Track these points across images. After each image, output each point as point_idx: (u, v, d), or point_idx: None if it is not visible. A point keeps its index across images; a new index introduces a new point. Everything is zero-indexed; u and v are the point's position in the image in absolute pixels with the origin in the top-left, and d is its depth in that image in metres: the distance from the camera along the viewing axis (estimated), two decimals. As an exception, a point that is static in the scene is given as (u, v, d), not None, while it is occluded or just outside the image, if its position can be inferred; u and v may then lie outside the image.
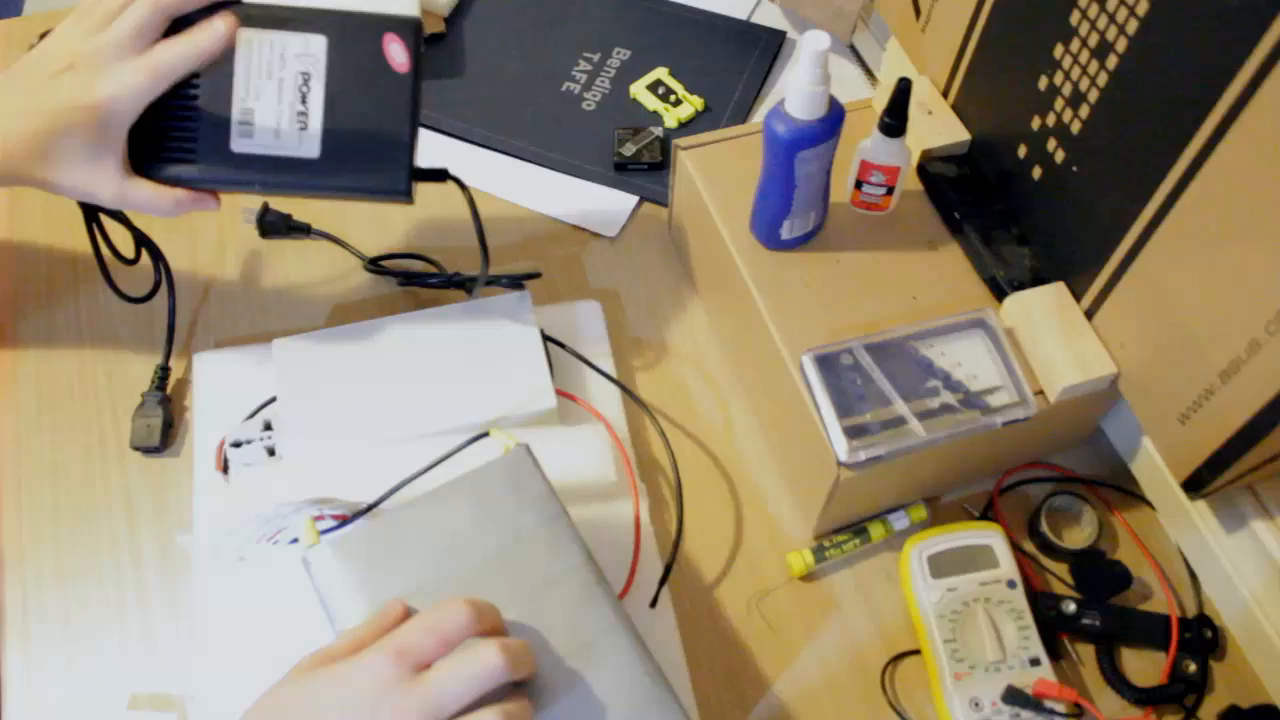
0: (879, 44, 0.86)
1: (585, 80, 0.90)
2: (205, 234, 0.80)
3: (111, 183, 0.60)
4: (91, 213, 0.69)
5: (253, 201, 0.78)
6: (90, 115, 0.58)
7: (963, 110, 0.71)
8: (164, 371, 0.72)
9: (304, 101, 0.61)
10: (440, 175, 0.67)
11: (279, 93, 0.61)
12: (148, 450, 0.70)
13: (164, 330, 0.74)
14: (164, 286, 0.73)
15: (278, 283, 0.78)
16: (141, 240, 0.71)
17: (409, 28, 0.62)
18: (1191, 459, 0.58)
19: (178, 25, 0.61)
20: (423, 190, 0.66)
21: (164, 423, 0.70)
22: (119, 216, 0.70)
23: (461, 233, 0.81)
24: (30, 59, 0.61)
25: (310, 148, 0.62)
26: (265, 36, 0.61)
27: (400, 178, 0.62)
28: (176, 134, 0.62)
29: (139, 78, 0.58)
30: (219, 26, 0.60)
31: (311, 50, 0.62)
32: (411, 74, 0.62)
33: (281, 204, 0.79)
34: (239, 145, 0.61)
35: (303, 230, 0.79)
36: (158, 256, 0.72)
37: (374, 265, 0.77)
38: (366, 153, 0.62)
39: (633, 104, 0.88)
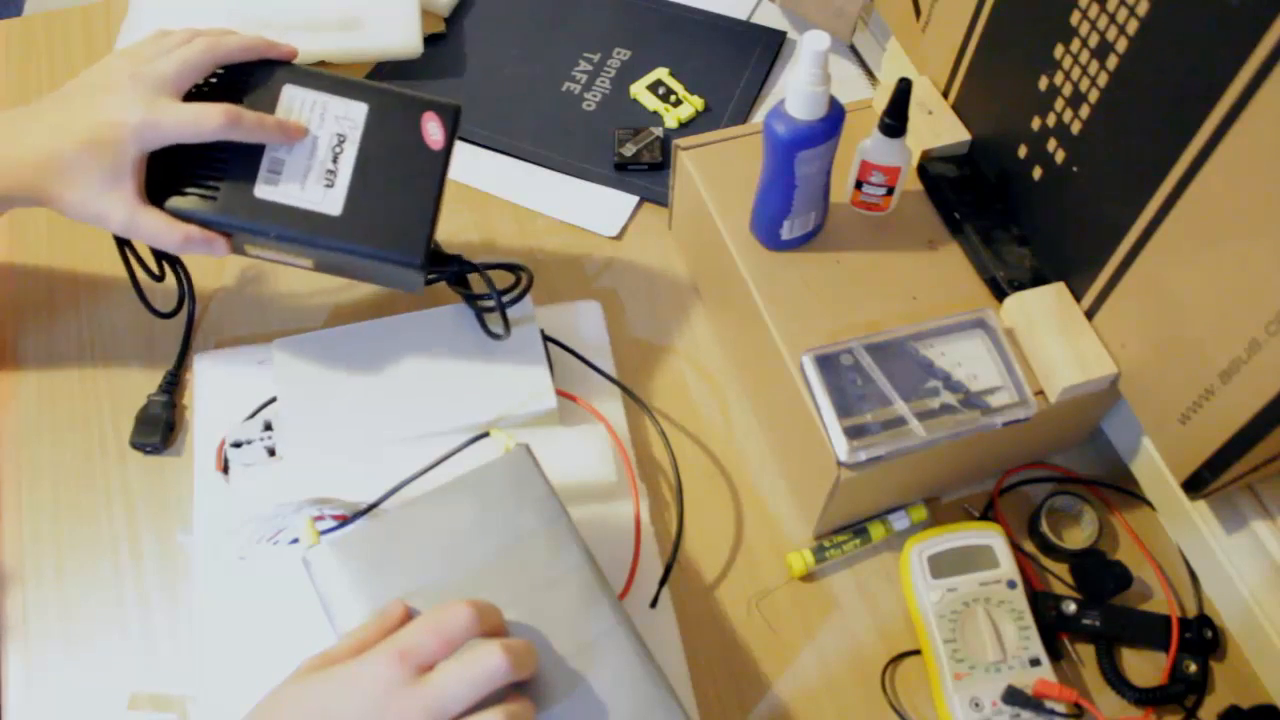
0: (879, 44, 0.86)
1: (585, 80, 0.90)
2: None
3: (123, 209, 0.59)
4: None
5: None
6: (116, 134, 0.58)
7: (963, 110, 0.71)
8: (173, 377, 0.72)
9: (335, 161, 0.61)
10: (454, 261, 0.68)
11: (313, 149, 0.62)
12: (147, 449, 0.70)
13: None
14: (186, 300, 0.73)
15: (278, 284, 0.78)
16: (165, 257, 0.71)
17: (449, 111, 0.64)
18: (1192, 459, 0.58)
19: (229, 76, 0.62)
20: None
21: (166, 424, 0.70)
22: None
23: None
24: (75, 81, 0.62)
25: (333, 205, 0.61)
26: (309, 95, 0.62)
27: (418, 249, 0.62)
28: (201, 171, 0.61)
29: (180, 116, 0.59)
30: (290, 130, 0.61)
31: (351, 115, 0.62)
32: (444, 152, 0.63)
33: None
34: (262, 191, 0.61)
35: None
36: (181, 271, 0.72)
37: None
38: (388, 220, 0.62)
39: (633, 104, 0.88)
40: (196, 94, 0.61)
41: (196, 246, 0.61)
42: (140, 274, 0.70)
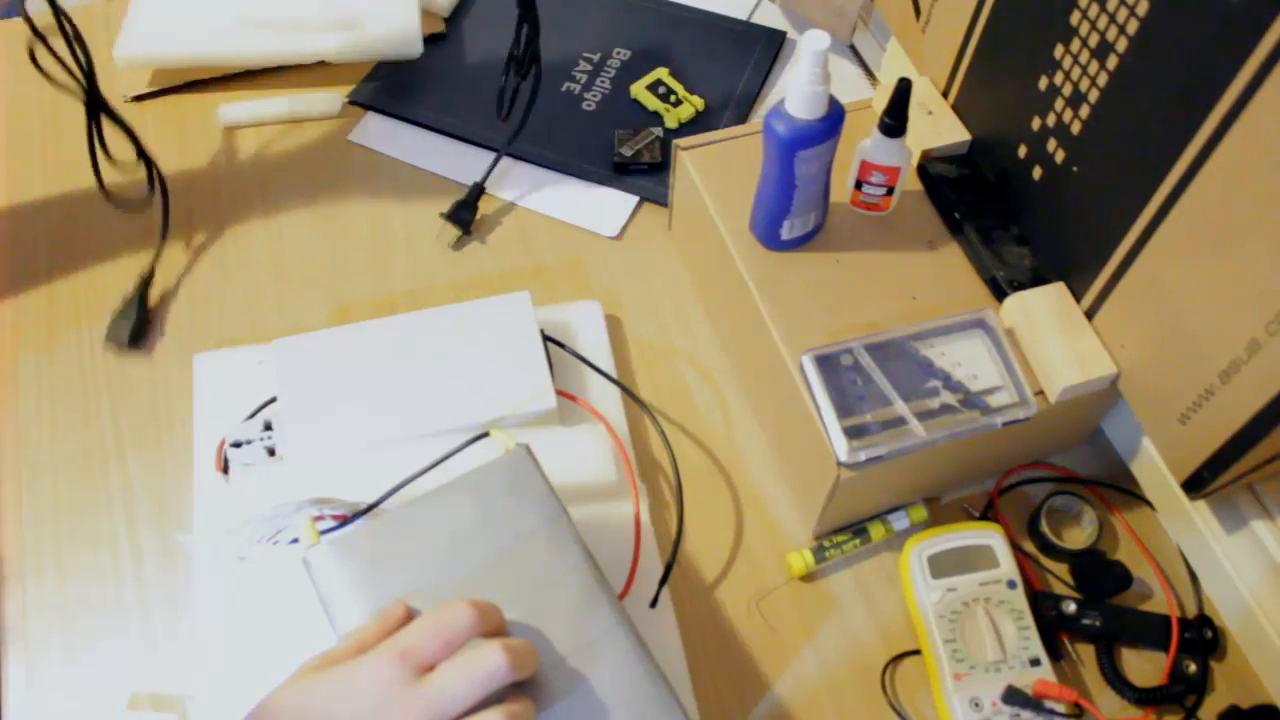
0: (879, 44, 0.86)
1: (585, 80, 0.90)
2: (208, 233, 0.80)
3: None
4: (93, 111, 0.70)
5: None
6: None
7: (963, 110, 0.71)
8: (149, 276, 0.72)
9: None
10: None
11: None
12: (119, 346, 0.70)
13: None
14: (157, 192, 0.75)
15: (278, 284, 0.78)
16: (138, 152, 0.72)
17: None
18: (1191, 459, 0.58)
19: None
20: None
21: (139, 322, 0.71)
22: (122, 125, 0.73)
23: (469, 251, 0.81)
24: None
25: None
26: None
27: None
28: None
29: None
30: None
31: None
32: None
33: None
34: None
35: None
36: (150, 164, 0.74)
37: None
38: None
39: (633, 104, 0.88)
40: None
41: None
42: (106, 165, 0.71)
